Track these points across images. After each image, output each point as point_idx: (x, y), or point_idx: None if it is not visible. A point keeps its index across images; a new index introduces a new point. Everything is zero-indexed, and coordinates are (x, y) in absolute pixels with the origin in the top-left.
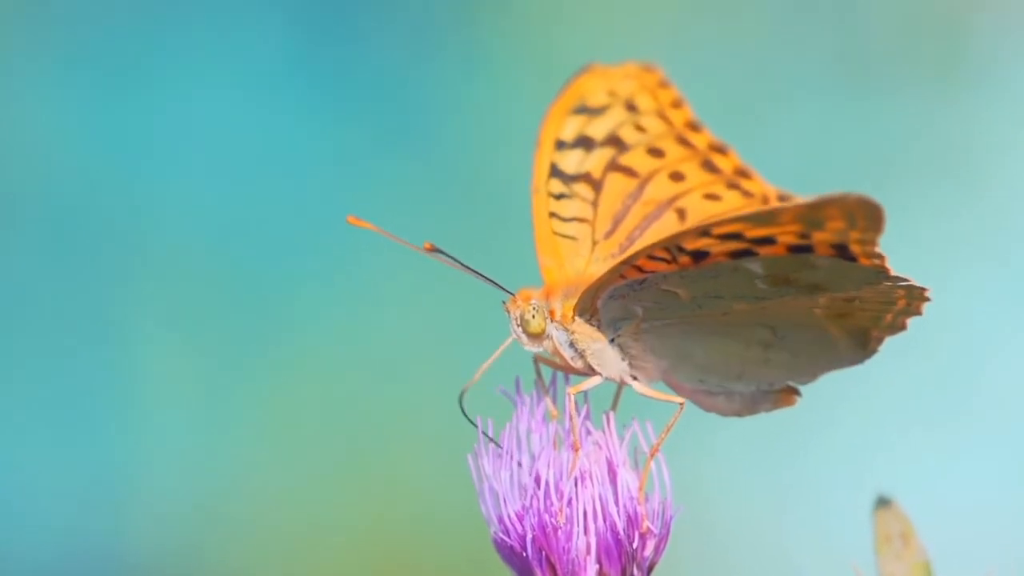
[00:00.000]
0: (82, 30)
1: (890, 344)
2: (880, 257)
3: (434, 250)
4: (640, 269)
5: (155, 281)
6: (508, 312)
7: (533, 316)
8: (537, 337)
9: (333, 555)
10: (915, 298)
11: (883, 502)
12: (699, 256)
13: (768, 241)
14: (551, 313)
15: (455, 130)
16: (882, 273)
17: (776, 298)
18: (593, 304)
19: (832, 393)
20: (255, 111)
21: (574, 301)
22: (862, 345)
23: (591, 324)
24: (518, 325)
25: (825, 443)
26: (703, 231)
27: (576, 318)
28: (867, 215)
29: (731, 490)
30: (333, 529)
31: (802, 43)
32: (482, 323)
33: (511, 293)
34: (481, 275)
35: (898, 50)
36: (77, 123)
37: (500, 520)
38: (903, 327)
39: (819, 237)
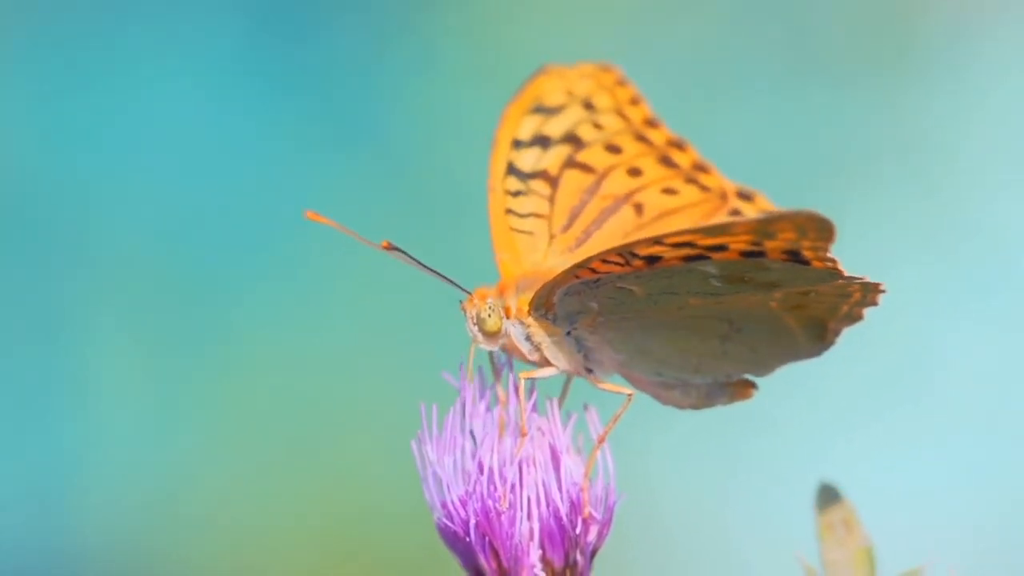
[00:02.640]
0: (32, 25)
1: (844, 337)
2: (832, 261)
3: (391, 248)
4: (594, 271)
5: (105, 277)
6: (464, 311)
7: (489, 315)
8: (494, 336)
9: (284, 547)
10: (870, 291)
11: (826, 490)
12: (652, 259)
13: (720, 248)
14: (506, 311)
15: (409, 126)
16: (836, 273)
17: (731, 294)
18: (549, 300)
19: (782, 384)
20: (207, 107)
21: (530, 295)
22: (819, 336)
23: (547, 318)
24: (474, 324)
25: (774, 433)
26: (655, 241)
27: (532, 312)
28: (817, 228)
29: (680, 479)
30: (284, 522)
31: (754, 35)
32: (430, 318)
33: (468, 292)
34: (438, 274)
35: (851, 40)
36: (27, 118)
37: (444, 506)
38: (860, 317)
39: (771, 245)
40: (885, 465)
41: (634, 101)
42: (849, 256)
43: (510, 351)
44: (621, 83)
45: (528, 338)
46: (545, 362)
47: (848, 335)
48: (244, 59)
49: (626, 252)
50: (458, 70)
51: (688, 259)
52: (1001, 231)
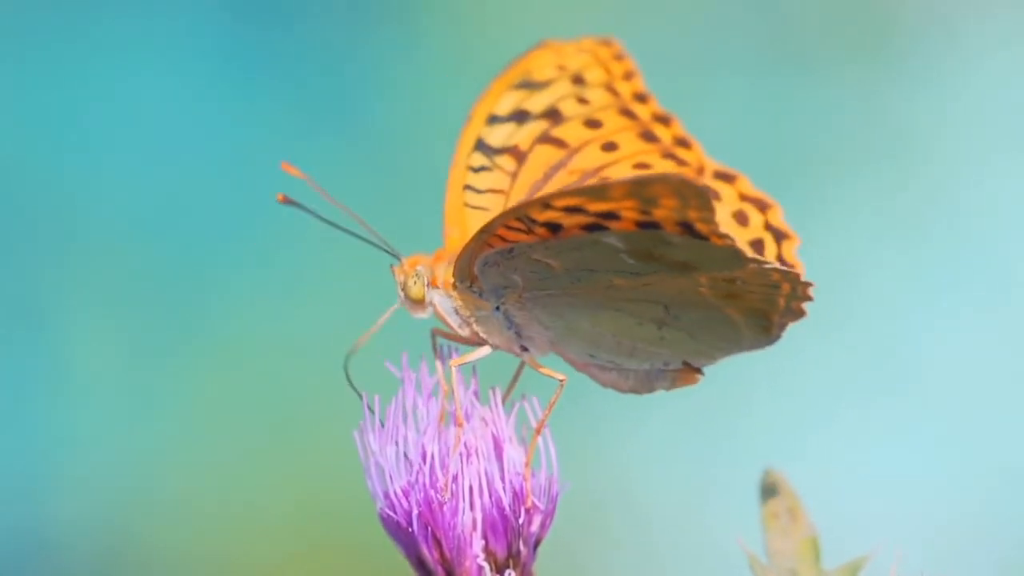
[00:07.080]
0: (4, 16)
1: (819, 328)
2: (728, 237)
3: (287, 201)
4: (503, 239)
5: (84, 265)
6: (395, 277)
7: (414, 282)
8: (419, 303)
9: (260, 533)
10: (793, 281)
11: (771, 479)
12: (554, 228)
13: (613, 216)
14: (432, 280)
15: (390, 111)
16: (738, 254)
17: (651, 274)
18: (471, 271)
19: (763, 373)
20: (184, 94)
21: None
22: (764, 329)
23: (472, 292)
24: (401, 290)
25: (755, 423)
26: (544, 203)
27: (457, 284)
28: (695, 195)
29: (659, 469)
30: (261, 508)
31: (732, 24)
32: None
33: (398, 256)
34: (350, 232)
35: (829, 28)
36: (3, 107)
37: (386, 496)
38: (801, 312)
39: (659, 214)
40: (865, 456)
41: (628, 76)
42: (826, 244)
43: (441, 321)
44: (618, 57)
45: (457, 312)
46: (477, 338)
47: (828, 325)
48: (222, 45)
49: (523, 216)
50: (440, 54)
51: (587, 228)
52: (977, 220)
